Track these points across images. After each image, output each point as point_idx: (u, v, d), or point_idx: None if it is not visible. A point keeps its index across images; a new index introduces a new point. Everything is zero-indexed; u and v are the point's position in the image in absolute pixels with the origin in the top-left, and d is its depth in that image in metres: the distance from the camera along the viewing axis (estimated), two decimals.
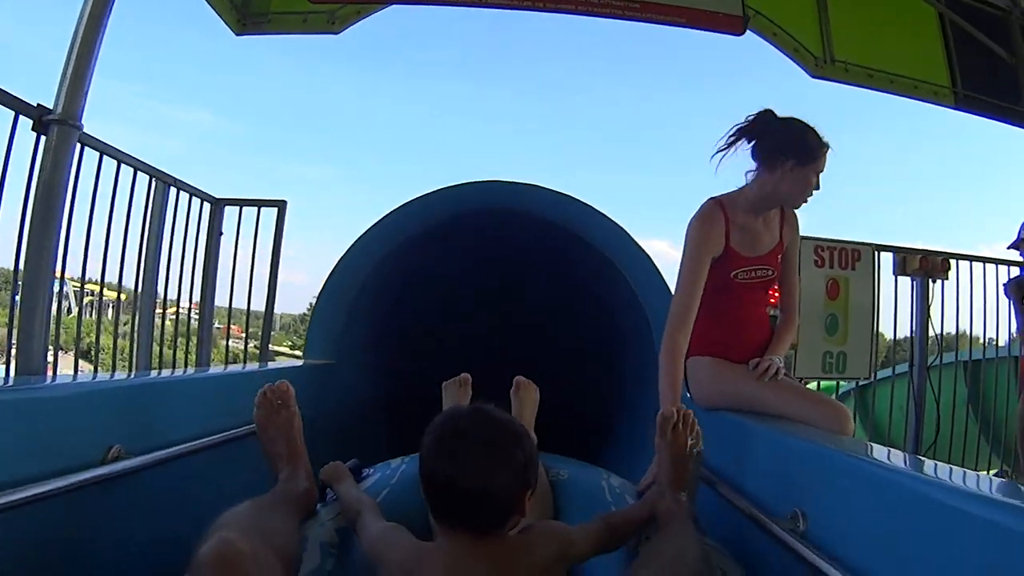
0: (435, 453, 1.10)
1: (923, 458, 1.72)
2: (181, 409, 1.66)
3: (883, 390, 4.18)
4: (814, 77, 3.74)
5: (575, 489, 1.79)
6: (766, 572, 1.49)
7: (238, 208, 3.54)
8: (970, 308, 3.72)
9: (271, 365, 2.84)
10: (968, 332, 3.87)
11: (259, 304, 3.58)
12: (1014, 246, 3.17)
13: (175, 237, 3.23)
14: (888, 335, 3.67)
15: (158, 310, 3.27)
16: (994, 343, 3.99)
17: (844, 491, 1.30)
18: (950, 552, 1.00)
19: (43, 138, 2.20)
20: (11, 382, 1.69)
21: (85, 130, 2.32)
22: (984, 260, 3.90)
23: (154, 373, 1.95)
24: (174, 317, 3.51)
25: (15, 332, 2.18)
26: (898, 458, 1.35)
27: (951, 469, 1.22)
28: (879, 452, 1.45)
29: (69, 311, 2.89)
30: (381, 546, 1.20)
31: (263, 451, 1.58)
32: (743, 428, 1.91)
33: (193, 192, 3.35)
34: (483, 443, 1.09)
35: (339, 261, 2.99)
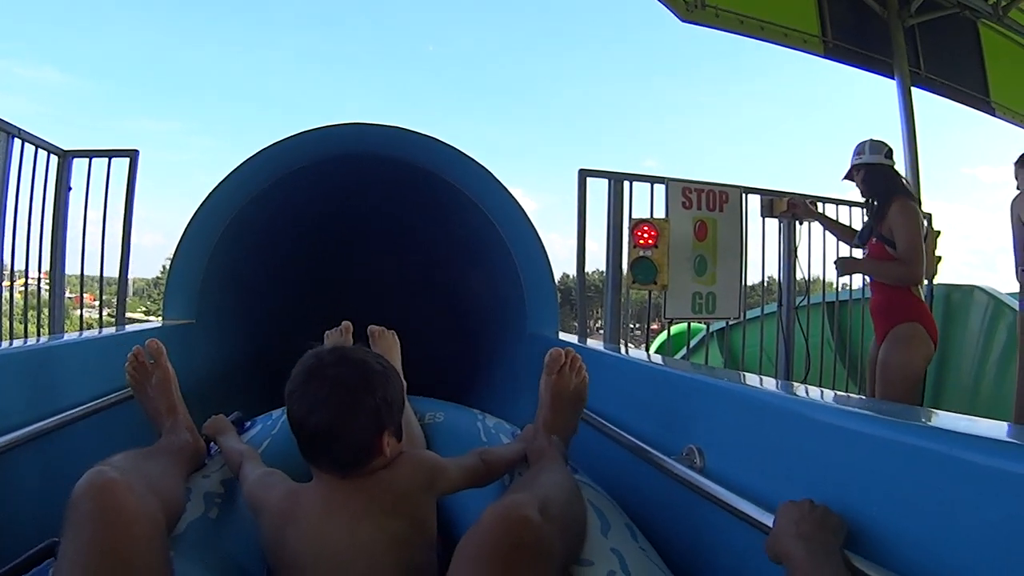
0: (291, 394, 1.13)
1: (829, 389, 1.75)
2: (36, 384, 1.53)
3: (737, 332, 4.31)
4: (684, 22, 3.75)
5: (450, 431, 1.83)
6: (664, 514, 1.50)
7: (87, 161, 3.28)
8: (837, 250, 3.86)
9: (128, 328, 2.65)
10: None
11: (110, 269, 3.35)
12: (847, 177, 3.12)
13: (20, 197, 2.96)
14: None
15: (5, 282, 3.01)
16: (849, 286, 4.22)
17: (741, 425, 1.30)
18: (856, 476, 1.01)
19: None
20: None
21: None
22: (850, 204, 4.06)
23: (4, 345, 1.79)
24: (23, 288, 3.25)
25: None
26: (794, 389, 1.36)
27: (849, 396, 1.24)
28: (770, 383, 1.47)
29: None
30: (258, 491, 1.23)
31: (144, 411, 1.56)
32: (624, 365, 1.94)
33: (38, 144, 3.08)
34: (332, 384, 1.11)
35: (193, 216, 2.81)
